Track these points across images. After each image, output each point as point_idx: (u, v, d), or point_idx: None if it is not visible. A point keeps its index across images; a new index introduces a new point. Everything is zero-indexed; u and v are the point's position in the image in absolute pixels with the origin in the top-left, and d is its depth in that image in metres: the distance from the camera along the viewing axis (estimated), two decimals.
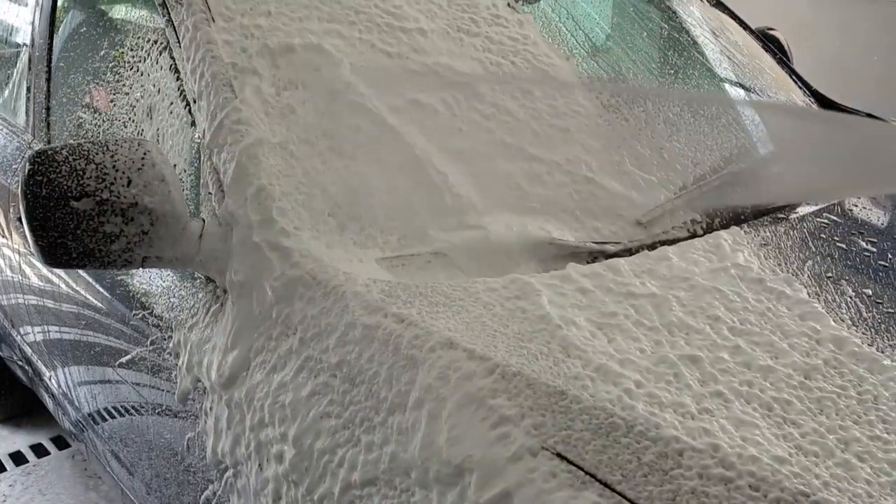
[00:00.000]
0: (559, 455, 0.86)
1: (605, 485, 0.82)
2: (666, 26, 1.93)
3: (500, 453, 0.88)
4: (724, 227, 1.31)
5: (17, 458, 2.91)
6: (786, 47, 2.37)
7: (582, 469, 0.84)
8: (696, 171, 1.51)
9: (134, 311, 1.55)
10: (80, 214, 1.23)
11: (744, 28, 2.16)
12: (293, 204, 1.24)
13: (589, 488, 0.82)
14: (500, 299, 1.09)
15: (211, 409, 1.30)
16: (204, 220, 1.31)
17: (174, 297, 1.44)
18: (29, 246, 1.31)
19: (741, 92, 1.90)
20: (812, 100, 2.08)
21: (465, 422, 0.91)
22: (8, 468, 2.85)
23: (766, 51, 2.15)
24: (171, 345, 1.42)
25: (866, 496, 0.78)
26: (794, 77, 2.14)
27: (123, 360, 1.62)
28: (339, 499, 1.02)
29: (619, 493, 0.81)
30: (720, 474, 0.80)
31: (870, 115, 2.08)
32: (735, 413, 0.89)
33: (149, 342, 1.50)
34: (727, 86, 1.89)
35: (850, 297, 1.10)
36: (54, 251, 1.24)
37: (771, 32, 2.38)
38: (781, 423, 0.88)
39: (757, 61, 2.04)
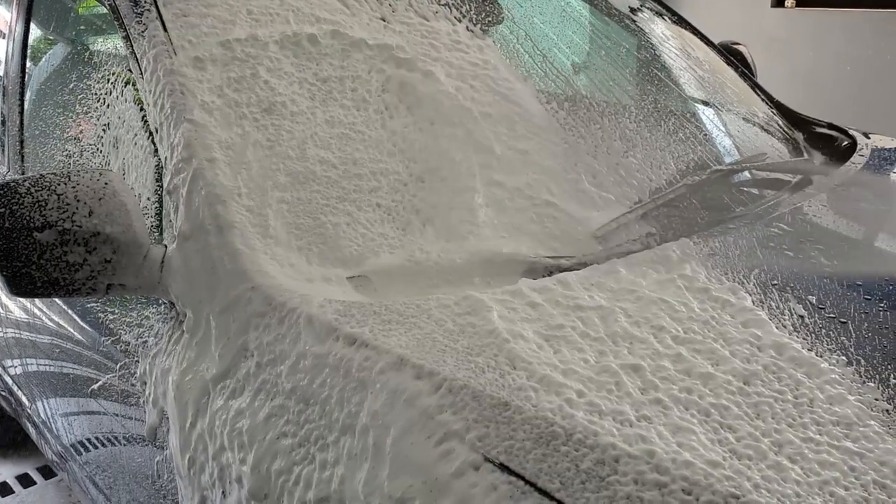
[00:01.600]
0: (502, 465, 0.88)
1: (545, 493, 0.84)
2: (625, 43, 1.97)
3: (444, 470, 0.90)
4: (676, 238, 1.33)
5: (3, 489, 2.91)
6: (749, 61, 2.41)
7: (523, 478, 0.86)
8: (652, 186, 1.54)
9: (103, 337, 1.57)
10: (43, 245, 1.25)
11: (706, 43, 2.21)
12: (250, 226, 1.27)
13: (528, 499, 0.84)
14: (452, 315, 1.12)
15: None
16: (166, 247, 1.33)
17: (140, 323, 1.46)
18: None
19: (701, 106, 1.93)
20: (775, 112, 2.11)
21: (409, 446, 0.94)
22: None
23: (729, 65, 2.19)
24: (137, 372, 1.44)
25: (794, 496, 0.80)
26: (757, 91, 2.18)
27: (95, 386, 1.64)
28: None
29: (558, 501, 0.83)
30: (654, 479, 0.82)
31: (833, 127, 2.12)
32: (673, 419, 0.91)
33: (118, 367, 1.52)
34: (687, 100, 1.92)
35: (794, 305, 1.12)
36: (19, 281, 1.27)
37: (735, 47, 2.43)
38: (718, 428, 0.90)
39: (718, 75, 2.08)
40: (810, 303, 1.13)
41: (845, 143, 1.97)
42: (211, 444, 1.20)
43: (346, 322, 1.10)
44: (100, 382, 1.60)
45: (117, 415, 1.61)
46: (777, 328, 1.07)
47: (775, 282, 1.18)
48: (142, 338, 1.45)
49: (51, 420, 2.18)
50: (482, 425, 0.93)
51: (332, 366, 1.06)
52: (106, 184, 1.28)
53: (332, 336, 1.09)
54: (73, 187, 1.27)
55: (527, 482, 0.86)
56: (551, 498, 0.84)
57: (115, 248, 1.28)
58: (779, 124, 2.03)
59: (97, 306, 1.62)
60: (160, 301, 1.42)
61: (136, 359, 1.45)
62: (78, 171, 1.28)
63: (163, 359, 1.35)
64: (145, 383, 1.41)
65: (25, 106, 2.11)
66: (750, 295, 1.14)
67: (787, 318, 1.09)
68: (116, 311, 1.55)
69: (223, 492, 1.20)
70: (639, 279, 1.18)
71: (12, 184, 1.26)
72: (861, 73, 4.55)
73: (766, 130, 1.97)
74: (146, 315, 1.45)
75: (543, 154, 1.52)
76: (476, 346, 1.05)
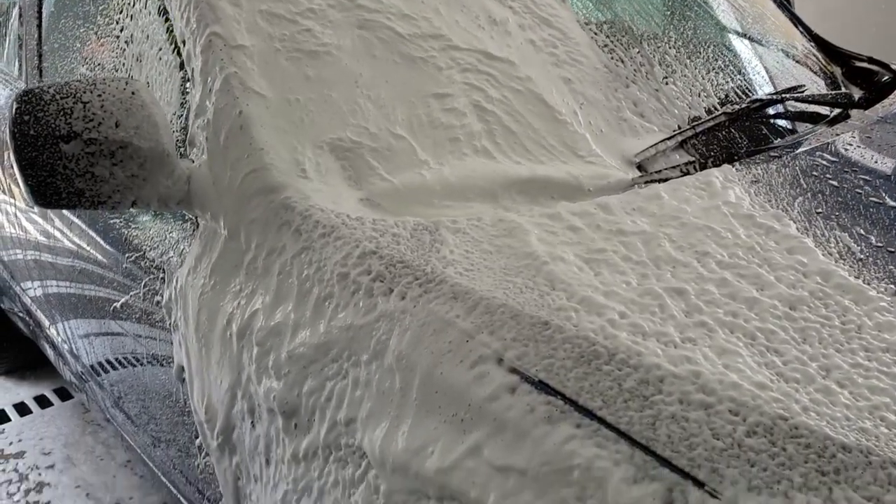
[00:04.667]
0: (540, 383, 0.86)
1: (586, 411, 0.83)
2: None
3: (478, 394, 0.89)
4: (717, 166, 1.30)
5: (22, 408, 2.95)
6: None
7: (563, 396, 0.85)
8: (692, 114, 1.50)
9: (126, 255, 1.55)
10: (68, 156, 1.23)
11: None
12: (281, 141, 1.23)
13: (566, 420, 0.83)
14: (488, 236, 1.09)
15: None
16: (193, 161, 1.30)
17: (165, 240, 1.44)
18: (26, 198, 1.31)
19: (739, 36, 1.87)
20: (813, 45, 2.05)
21: (439, 377, 0.92)
22: (12, 419, 2.89)
23: None
24: (161, 290, 1.43)
25: (844, 419, 0.78)
26: (795, 23, 2.10)
27: (118, 305, 1.63)
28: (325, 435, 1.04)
29: (599, 419, 0.82)
30: (700, 400, 0.81)
31: (873, 61, 2.05)
32: (718, 342, 0.89)
33: (142, 285, 1.50)
34: (725, 29, 1.86)
35: (839, 233, 1.09)
36: (44, 191, 1.24)
37: None
38: (764, 351, 0.88)
39: (757, 6, 2.01)
40: (856, 231, 1.10)
41: (886, 77, 1.91)
42: (239, 360, 1.20)
43: (376, 239, 1.08)
44: (122, 300, 1.59)
45: (139, 335, 1.61)
46: (823, 255, 1.04)
47: (820, 210, 1.14)
48: (166, 255, 1.43)
49: (70, 341, 2.19)
50: (521, 344, 0.91)
51: (365, 288, 1.04)
52: (133, 94, 1.25)
53: (360, 252, 1.06)
54: (100, 96, 1.23)
55: (567, 400, 0.84)
56: (592, 416, 0.83)
57: (141, 162, 1.25)
58: (817, 57, 1.97)
59: (120, 223, 1.60)
60: (186, 217, 1.39)
61: (160, 276, 1.44)
62: (104, 80, 1.24)
63: (188, 276, 1.33)
64: (170, 311, 1.40)
65: (43, 19, 2.06)
66: (794, 222, 1.11)
67: (832, 245, 1.07)
68: (140, 227, 1.53)
69: (252, 412, 1.19)
70: (683, 205, 1.15)
71: (37, 90, 1.22)
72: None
73: (803, 63, 1.91)
74: (171, 232, 1.43)
75: (585, 82, 1.48)
76: (514, 266, 1.03)
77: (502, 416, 0.86)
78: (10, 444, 2.71)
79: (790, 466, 0.74)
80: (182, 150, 1.39)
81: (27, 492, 2.51)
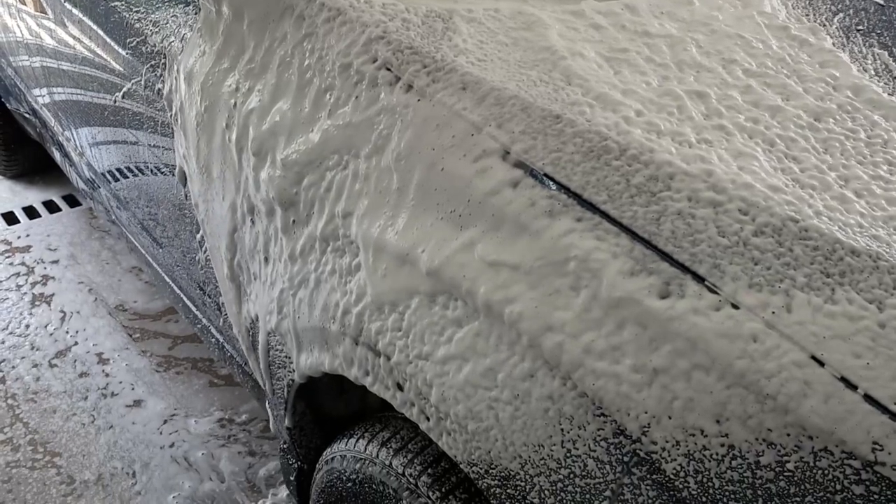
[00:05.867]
0: (545, 176, 0.83)
1: (589, 204, 0.80)
2: None
3: (479, 188, 0.86)
4: None
5: (30, 212, 2.98)
6: None
7: (567, 189, 0.82)
8: None
9: (128, 40, 1.49)
10: None
11: None
12: None
13: (567, 214, 0.80)
14: (505, 28, 1.03)
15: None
16: None
17: (168, 23, 1.38)
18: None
19: None
20: None
21: (438, 174, 0.89)
22: (21, 220, 2.92)
23: None
24: (164, 90, 1.38)
25: (857, 226, 0.76)
26: None
27: (119, 94, 1.58)
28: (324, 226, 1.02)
29: (602, 213, 0.79)
30: (710, 198, 0.78)
31: None
32: (735, 146, 0.85)
33: (143, 73, 1.45)
34: None
35: (878, 50, 1.03)
36: None
37: None
38: (783, 158, 0.84)
39: None
40: None
41: None
42: (238, 172, 1.17)
43: (385, 24, 1.02)
44: (125, 88, 1.55)
45: (142, 128, 1.57)
46: (857, 71, 0.98)
47: (860, 27, 1.07)
48: (167, 40, 1.37)
49: (78, 146, 2.16)
50: (529, 137, 0.87)
51: (369, 78, 0.99)
52: None
53: (365, 38, 1.01)
54: None
55: (570, 194, 0.82)
56: (595, 210, 0.80)
57: None
58: None
59: (122, 5, 1.53)
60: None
61: (161, 62, 1.39)
62: None
63: (190, 64, 1.28)
64: (171, 94, 1.35)
65: None
66: (831, 37, 1.04)
67: (869, 62, 1.00)
68: (142, 9, 1.46)
69: (252, 210, 1.18)
70: (714, 12, 1.08)
71: None
72: None
73: None
74: (173, 14, 1.37)
75: None
76: (529, 60, 0.97)
77: (501, 210, 0.84)
78: (19, 237, 2.76)
79: (795, 267, 0.72)
80: None
81: (33, 284, 2.58)
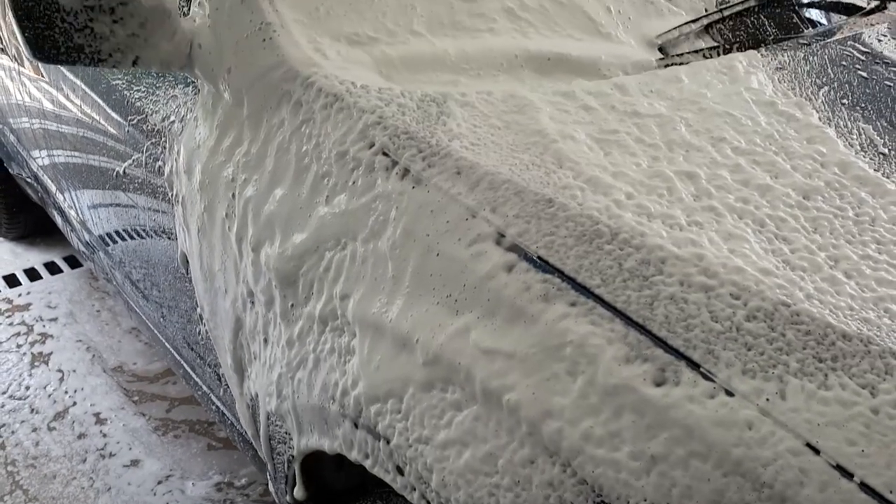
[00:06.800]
0: (539, 259, 0.85)
1: (583, 288, 0.82)
2: None
3: (474, 273, 0.87)
4: (744, 51, 1.24)
5: (32, 273, 2.99)
6: None
7: (561, 273, 0.83)
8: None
9: (129, 118, 1.52)
10: (67, 10, 1.18)
11: None
12: (286, 4, 1.18)
13: (562, 298, 0.82)
14: (498, 112, 1.06)
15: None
16: (195, 20, 1.25)
17: (167, 103, 1.41)
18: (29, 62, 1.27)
19: None
20: None
21: (434, 259, 0.91)
22: (22, 282, 2.94)
23: None
24: (165, 171, 1.41)
25: (848, 309, 0.77)
26: None
27: (120, 169, 1.61)
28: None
29: (596, 297, 0.81)
30: (702, 282, 0.79)
31: None
32: (726, 227, 0.86)
33: (144, 150, 1.48)
34: None
35: (863, 124, 1.05)
36: (41, 44, 1.20)
37: None
38: (773, 238, 0.86)
39: None
40: (881, 125, 1.06)
41: None
42: (239, 226, 1.18)
43: (381, 109, 1.04)
44: (125, 165, 1.57)
45: (143, 204, 1.60)
46: (843, 146, 1.00)
47: (845, 101, 1.10)
48: (168, 119, 1.40)
49: (78, 209, 2.19)
50: (523, 221, 0.89)
51: (365, 164, 1.01)
52: None
53: (362, 125, 1.03)
54: None
55: (564, 278, 0.83)
56: (589, 294, 0.81)
57: (142, 21, 1.20)
58: None
59: (122, 84, 1.56)
60: (188, 80, 1.35)
61: (162, 140, 1.41)
62: None
63: (189, 139, 1.30)
64: (171, 176, 1.38)
65: None
66: (817, 112, 1.07)
67: (854, 137, 1.03)
68: (142, 89, 1.49)
69: (251, 294, 1.19)
70: (703, 90, 1.10)
71: None
72: None
73: None
74: (173, 95, 1.40)
75: None
76: (522, 143, 0.99)
77: (497, 295, 0.85)
78: (19, 295, 2.78)
79: (787, 352, 0.73)
80: (184, 10, 1.33)
81: (32, 343, 2.59)
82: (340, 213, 1.01)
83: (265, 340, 1.18)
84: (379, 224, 0.97)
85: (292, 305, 1.08)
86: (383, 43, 1.17)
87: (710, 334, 0.75)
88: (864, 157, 0.99)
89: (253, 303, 1.18)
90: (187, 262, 1.40)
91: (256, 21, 1.16)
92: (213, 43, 1.21)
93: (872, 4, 1.56)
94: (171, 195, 1.38)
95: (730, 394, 0.72)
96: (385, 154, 1.00)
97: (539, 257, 0.85)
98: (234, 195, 1.18)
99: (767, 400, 0.70)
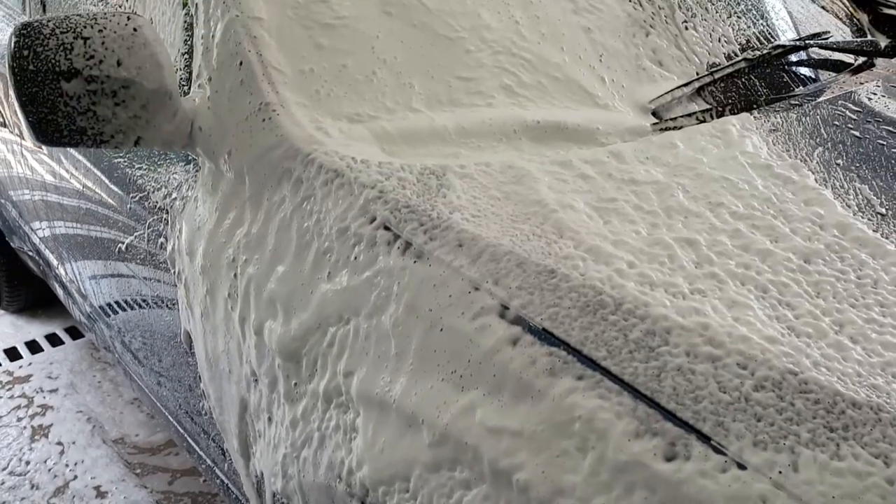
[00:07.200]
0: (544, 332, 0.85)
1: (590, 361, 0.81)
2: None
3: (479, 347, 0.87)
4: (735, 114, 1.26)
5: (33, 346, 2.98)
6: None
7: (567, 345, 0.83)
8: (711, 60, 1.45)
9: (131, 195, 1.54)
10: (70, 94, 1.20)
11: None
12: (287, 80, 1.20)
13: (568, 372, 0.81)
14: (496, 183, 1.07)
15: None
16: (196, 101, 1.27)
17: (168, 182, 1.42)
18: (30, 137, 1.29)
19: None
20: None
21: (438, 335, 0.91)
22: (23, 356, 2.92)
23: None
24: (167, 248, 1.42)
25: (856, 375, 0.77)
26: None
27: (122, 246, 1.62)
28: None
29: (603, 370, 0.80)
30: (708, 352, 0.79)
31: None
32: (729, 294, 0.87)
33: (146, 226, 1.49)
34: None
35: (859, 185, 1.06)
36: (45, 128, 1.22)
37: None
38: (776, 304, 0.86)
39: None
40: (877, 184, 1.06)
41: None
42: (241, 307, 1.18)
43: (381, 183, 1.05)
44: (128, 241, 1.58)
45: (145, 277, 1.60)
46: (841, 208, 1.01)
47: (840, 161, 1.11)
48: (170, 197, 1.41)
49: (78, 281, 2.19)
50: (526, 293, 0.89)
51: (367, 238, 1.01)
52: (135, 30, 1.21)
53: (363, 201, 1.04)
54: (101, 31, 1.20)
55: (570, 350, 0.83)
56: (596, 367, 0.81)
57: (144, 103, 1.22)
58: (843, 3, 1.90)
59: (124, 162, 1.58)
60: (189, 158, 1.37)
61: (164, 217, 1.42)
62: (105, 14, 1.21)
63: (190, 218, 1.31)
64: (174, 254, 1.38)
65: None
66: (813, 173, 1.08)
67: (851, 198, 1.03)
68: (144, 167, 1.51)
69: (254, 373, 1.18)
70: (698, 155, 1.11)
71: (36, 24, 1.19)
72: None
73: (829, 9, 1.84)
74: (175, 172, 1.41)
75: (605, 31, 1.42)
76: (521, 214, 1.00)
77: (502, 370, 0.85)
78: (20, 367, 2.76)
79: (798, 422, 0.72)
80: (184, 90, 1.36)
81: (33, 416, 2.57)
82: (342, 290, 1.01)
83: (269, 419, 1.17)
84: (381, 299, 0.97)
85: (296, 384, 1.08)
86: (383, 120, 1.19)
87: (718, 406, 0.75)
88: (862, 217, 1.00)
89: (257, 381, 1.18)
90: (191, 341, 1.39)
91: (256, 102, 1.18)
92: (215, 125, 1.23)
93: (860, 61, 1.59)
94: (174, 273, 1.39)
95: (742, 467, 0.71)
96: (387, 228, 1.00)
97: (544, 329, 0.85)
98: (236, 275, 1.18)
99: (780, 472, 0.70)
